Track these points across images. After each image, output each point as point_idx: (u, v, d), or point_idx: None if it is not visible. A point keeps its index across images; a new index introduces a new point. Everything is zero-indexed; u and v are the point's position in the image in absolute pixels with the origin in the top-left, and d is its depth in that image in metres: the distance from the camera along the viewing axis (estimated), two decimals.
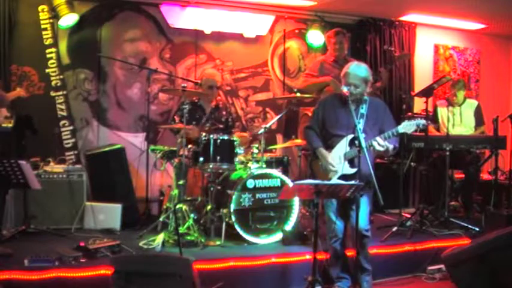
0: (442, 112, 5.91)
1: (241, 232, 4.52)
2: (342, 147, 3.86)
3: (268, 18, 6.58)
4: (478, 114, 5.92)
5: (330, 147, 3.96)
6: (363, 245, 3.93)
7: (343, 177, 3.81)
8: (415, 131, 3.86)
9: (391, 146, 3.83)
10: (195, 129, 4.97)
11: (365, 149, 3.59)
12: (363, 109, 3.94)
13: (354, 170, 3.77)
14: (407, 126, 3.80)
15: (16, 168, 3.94)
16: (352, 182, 3.64)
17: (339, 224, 4.01)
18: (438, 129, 5.92)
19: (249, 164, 4.87)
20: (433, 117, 5.87)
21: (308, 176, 4.22)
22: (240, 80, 6.62)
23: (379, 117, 3.99)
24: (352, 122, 3.81)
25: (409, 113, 6.04)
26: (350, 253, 4.13)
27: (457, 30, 7.58)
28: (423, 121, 3.84)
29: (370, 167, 3.57)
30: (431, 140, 5.29)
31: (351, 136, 3.87)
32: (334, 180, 3.78)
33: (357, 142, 3.62)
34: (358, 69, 3.93)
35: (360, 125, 3.88)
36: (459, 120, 5.85)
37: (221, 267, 4.01)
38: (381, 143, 3.77)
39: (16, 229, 4.54)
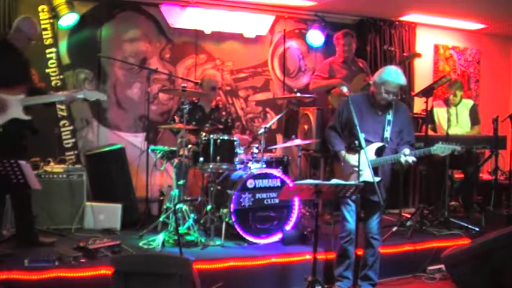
0: (439, 112, 5.91)
1: (241, 232, 4.52)
2: (366, 154, 3.72)
3: (268, 18, 6.57)
4: (474, 113, 5.91)
5: (353, 150, 3.84)
6: (373, 245, 3.97)
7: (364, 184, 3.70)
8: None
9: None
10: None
11: (364, 152, 3.57)
12: (390, 115, 3.89)
13: (376, 179, 3.63)
14: (440, 149, 3.78)
15: (16, 168, 3.93)
16: (352, 182, 3.64)
17: (353, 224, 3.96)
18: (435, 130, 5.91)
19: (249, 164, 4.87)
20: (429, 118, 5.87)
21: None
22: (240, 80, 6.62)
23: (403, 124, 3.96)
24: (379, 128, 3.79)
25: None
26: (359, 252, 4.09)
27: (457, 30, 7.57)
28: (459, 147, 3.85)
29: (377, 187, 3.56)
30: (431, 140, 5.28)
31: (379, 144, 3.84)
32: (334, 181, 3.78)
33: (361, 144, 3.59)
34: (398, 77, 3.82)
35: (388, 132, 3.86)
36: (455, 121, 5.84)
37: (221, 267, 4.01)
38: (410, 160, 3.73)
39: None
